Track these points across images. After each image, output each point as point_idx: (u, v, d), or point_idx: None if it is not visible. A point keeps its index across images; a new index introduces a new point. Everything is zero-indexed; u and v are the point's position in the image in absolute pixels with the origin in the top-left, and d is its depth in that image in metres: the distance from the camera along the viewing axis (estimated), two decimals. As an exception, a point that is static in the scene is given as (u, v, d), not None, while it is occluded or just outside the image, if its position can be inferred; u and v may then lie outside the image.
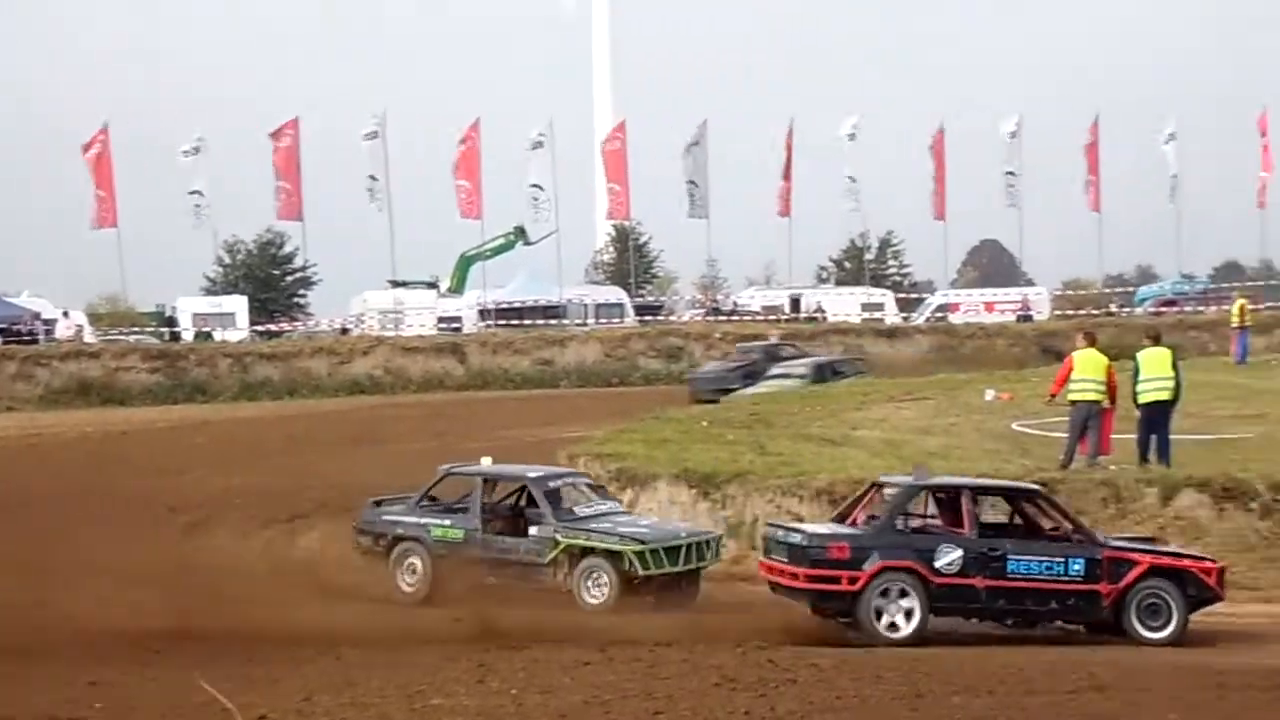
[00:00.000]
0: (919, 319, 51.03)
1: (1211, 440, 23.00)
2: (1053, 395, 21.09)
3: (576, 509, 17.54)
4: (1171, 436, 20.57)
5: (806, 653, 13.70)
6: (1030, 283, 61.42)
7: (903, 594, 15.17)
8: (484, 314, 55.29)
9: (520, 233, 58.54)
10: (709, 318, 55.53)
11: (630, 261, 66.95)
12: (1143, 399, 20.46)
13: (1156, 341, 21.51)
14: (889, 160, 66.89)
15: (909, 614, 15.13)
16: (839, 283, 66.49)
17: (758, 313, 55.51)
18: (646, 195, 72.58)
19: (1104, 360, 20.38)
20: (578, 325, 53.96)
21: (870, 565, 15.22)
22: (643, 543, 16.72)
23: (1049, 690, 12.14)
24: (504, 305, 55.77)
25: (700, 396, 37.32)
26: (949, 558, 15.37)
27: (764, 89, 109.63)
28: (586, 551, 16.84)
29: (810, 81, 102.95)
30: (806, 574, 15.25)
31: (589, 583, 16.71)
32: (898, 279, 69.57)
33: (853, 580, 15.14)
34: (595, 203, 67.86)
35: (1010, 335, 42.48)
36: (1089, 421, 20.12)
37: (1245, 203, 58.74)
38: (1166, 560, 15.56)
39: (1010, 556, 15.43)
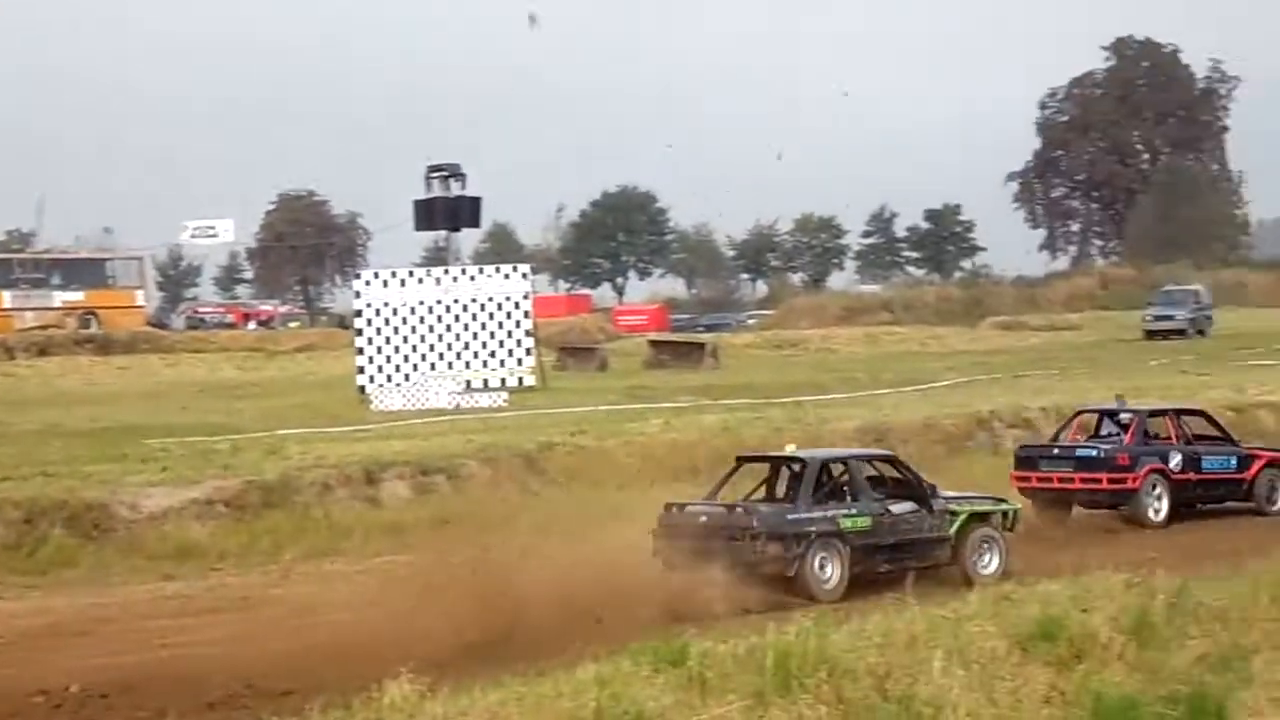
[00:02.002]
0: None
1: None
2: None
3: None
4: None
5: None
6: None
7: (1156, 489, 20.29)
8: None
9: None
10: None
11: None
12: None
13: None
14: None
15: (1160, 504, 20.25)
16: None
17: None
18: None
19: None
20: None
21: (1142, 468, 20.24)
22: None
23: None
24: None
25: None
26: (1176, 460, 20.64)
27: None
28: (977, 519, 16.67)
29: None
30: (1109, 478, 20.13)
31: (980, 551, 16.53)
32: None
33: (1134, 480, 20.15)
34: None
35: None
36: None
37: None
38: (1275, 455, 21.34)
39: (1204, 456, 20.92)
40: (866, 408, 28.97)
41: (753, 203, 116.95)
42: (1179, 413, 21.82)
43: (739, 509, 15.96)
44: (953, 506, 16.63)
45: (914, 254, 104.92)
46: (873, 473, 17.02)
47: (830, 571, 15.70)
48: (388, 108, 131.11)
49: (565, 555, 15.04)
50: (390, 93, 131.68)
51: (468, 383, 35.70)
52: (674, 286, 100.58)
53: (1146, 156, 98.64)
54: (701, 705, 8.84)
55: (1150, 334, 56.60)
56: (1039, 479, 20.41)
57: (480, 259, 73.45)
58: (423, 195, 40.59)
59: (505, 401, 33.78)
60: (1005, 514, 17.16)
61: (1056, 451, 20.87)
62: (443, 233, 43.16)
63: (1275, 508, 20.94)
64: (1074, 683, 9.47)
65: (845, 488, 16.47)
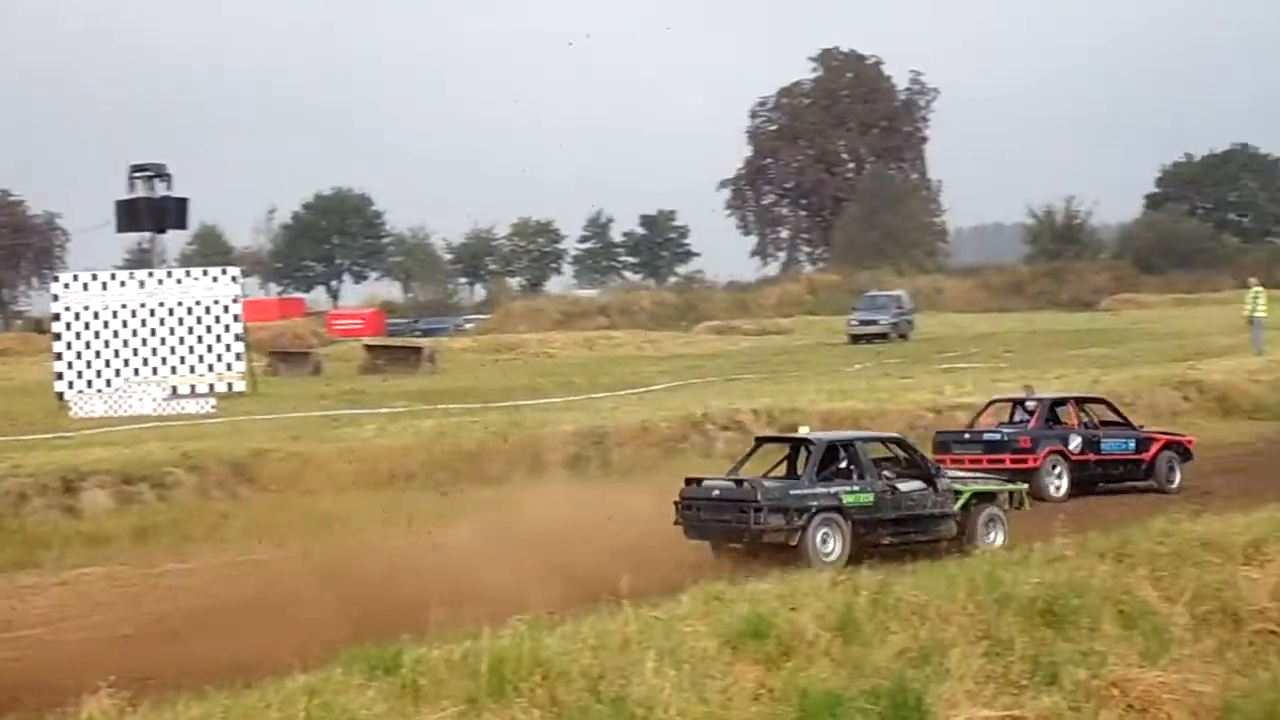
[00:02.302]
0: None
1: None
2: None
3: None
4: None
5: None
6: None
7: (1057, 469, 22.11)
8: None
9: None
10: None
11: None
12: None
13: None
14: None
15: (1060, 481, 22.08)
16: None
17: None
18: None
19: None
20: None
21: (1042, 450, 22.09)
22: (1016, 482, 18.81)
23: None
24: None
25: None
26: (1075, 442, 22.44)
27: None
28: (984, 497, 17.68)
29: None
30: (1011, 458, 21.76)
31: (987, 527, 17.44)
32: None
33: (1035, 460, 21.92)
34: None
35: None
36: None
37: None
38: (1172, 438, 23.28)
39: (1103, 439, 22.74)
40: (584, 411, 29.15)
41: (470, 206, 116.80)
42: (1081, 400, 23.90)
43: (746, 483, 16.82)
44: (957, 486, 17.66)
45: (630, 259, 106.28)
46: (887, 454, 18.10)
47: (832, 544, 16.58)
48: (90, 107, 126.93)
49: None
50: (96, 91, 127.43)
51: (174, 388, 34.78)
52: (390, 290, 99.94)
53: (852, 165, 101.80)
54: (415, 713, 8.78)
55: (855, 338, 58.01)
56: (952, 461, 21.68)
57: (187, 261, 71.70)
58: (125, 196, 39.36)
59: (214, 407, 33.02)
60: (1011, 494, 18.27)
61: (967, 436, 22.85)
62: (147, 234, 41.92)
63: (1174, 486, 22.75)
64: (782, 679, 9.69)
65: (852, 466, 17.36)
